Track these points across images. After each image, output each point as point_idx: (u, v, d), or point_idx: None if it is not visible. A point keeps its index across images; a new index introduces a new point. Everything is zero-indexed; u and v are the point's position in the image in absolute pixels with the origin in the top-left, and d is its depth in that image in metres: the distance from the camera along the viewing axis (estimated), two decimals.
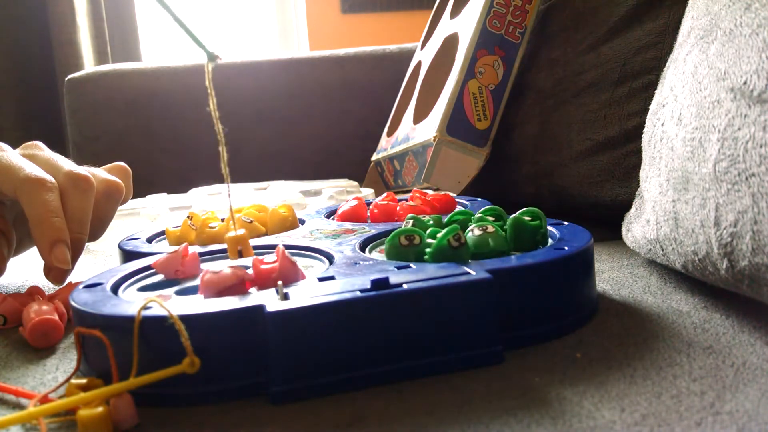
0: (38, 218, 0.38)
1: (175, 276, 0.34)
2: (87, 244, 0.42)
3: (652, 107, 0.41)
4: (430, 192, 0.51)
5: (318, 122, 1.13)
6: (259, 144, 1.10)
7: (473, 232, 0.33)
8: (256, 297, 0.27)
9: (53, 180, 0.40)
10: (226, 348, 0.25)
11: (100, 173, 0.45)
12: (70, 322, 0.36)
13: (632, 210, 0.44)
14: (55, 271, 0.39)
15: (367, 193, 0.74)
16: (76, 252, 0.40)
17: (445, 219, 0.39)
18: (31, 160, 0.42)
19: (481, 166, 0.68)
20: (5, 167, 0.40)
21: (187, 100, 1.12)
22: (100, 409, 0.23)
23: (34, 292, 0.39)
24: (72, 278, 0.42)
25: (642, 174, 0.41)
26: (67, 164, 0.42)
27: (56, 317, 0.34)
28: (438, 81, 0.75)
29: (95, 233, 0.44)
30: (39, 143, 0.44)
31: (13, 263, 0.50)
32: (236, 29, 1.97)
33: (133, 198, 0.67)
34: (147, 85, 1.13)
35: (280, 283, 0.28)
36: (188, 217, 0.44)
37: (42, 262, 0.39)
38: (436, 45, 0.82)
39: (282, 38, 1.98)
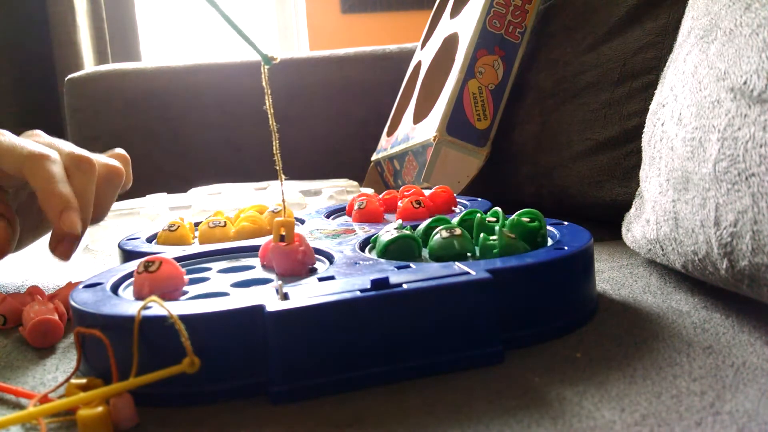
0: (46, 189, 0.38)
1: (172, 297, 0.29)
2: (86, 243, 0.42)
3: (652, 107, 0.41)
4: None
5: (318, 122, 1.13)
6: (259, 144, 1.10)
7: (440, 235, 0.33)
8: (255, 297, 0.27)
9: (57, 155, 0.40)
10: (226, 348, 0.25)
11: (100, 158, 0.45)
12: (70, 322, 0.36)
13: (632, 210, 0.44)
14: (63, 244, 0.38)
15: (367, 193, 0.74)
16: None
17: (455, 220, 0.38)
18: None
19: (481, 166, 0.68)
20: (8, 147, 0.40)
21: (187, 100, 1.12)
22: (100, 409, 0.23)
23: (34, 292, 0.39)
24: (72, 278, 0.42)
25: (642, 174, 0.41)
26: (68, 146, 0.43)
27: (56, 317, 0.34)
28: (438, 81, 0.75)
29: (97, 216, 0.44)
30: (39, 131, 0.45)
31: (14, 263, 0.50)
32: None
33: (132, 198, 0.67)
34: (147, 85, 1.12)
35: (280, 283, 0.28)
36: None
37: (42, 261, 0.39)
38: (436, 45, 0.82)
39: (282, 38, 1.98)
